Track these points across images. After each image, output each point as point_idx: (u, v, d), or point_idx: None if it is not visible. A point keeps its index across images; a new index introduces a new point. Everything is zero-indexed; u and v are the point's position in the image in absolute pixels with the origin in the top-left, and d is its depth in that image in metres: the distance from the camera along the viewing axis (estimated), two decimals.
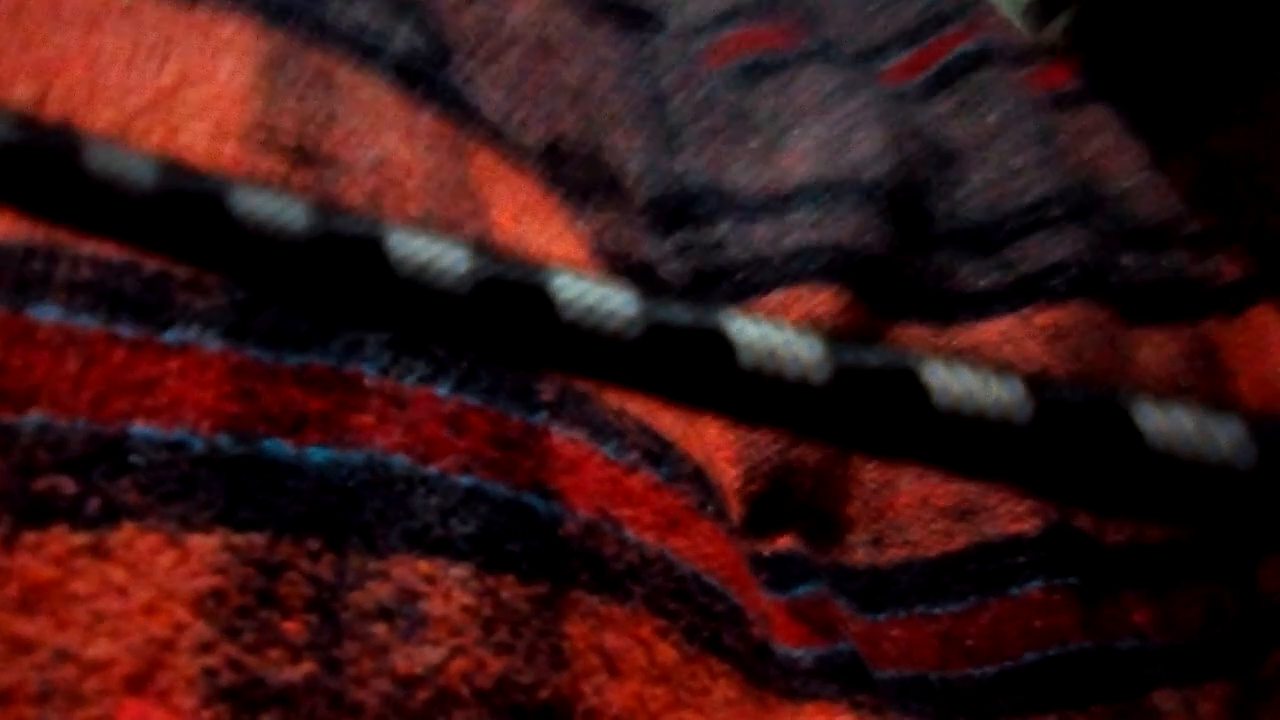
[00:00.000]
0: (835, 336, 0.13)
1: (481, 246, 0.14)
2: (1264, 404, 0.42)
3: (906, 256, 0.41)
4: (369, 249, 0.13)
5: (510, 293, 0.13)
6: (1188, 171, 0.52)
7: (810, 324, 0.36)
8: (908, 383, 0.12)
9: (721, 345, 0.12)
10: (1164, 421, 0.11)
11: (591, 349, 0.13)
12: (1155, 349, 0.43)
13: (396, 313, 0.14)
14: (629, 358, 0.13)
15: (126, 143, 0.21)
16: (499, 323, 0.13)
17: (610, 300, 0.13)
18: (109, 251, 0.19)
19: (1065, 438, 0.12)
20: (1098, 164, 0.51)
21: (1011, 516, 0.34)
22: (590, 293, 0.13)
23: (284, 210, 0.14)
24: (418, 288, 0.13)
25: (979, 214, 0.44)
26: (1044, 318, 0.40)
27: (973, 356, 0.39)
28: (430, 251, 0.13)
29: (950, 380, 0.12)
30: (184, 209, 0.14)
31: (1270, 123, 0.51)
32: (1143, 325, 0.44)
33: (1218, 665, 0.36)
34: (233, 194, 0.14)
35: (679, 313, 0.13)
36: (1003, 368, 0.12)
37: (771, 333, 0.13)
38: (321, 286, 0.14)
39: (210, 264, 0.15)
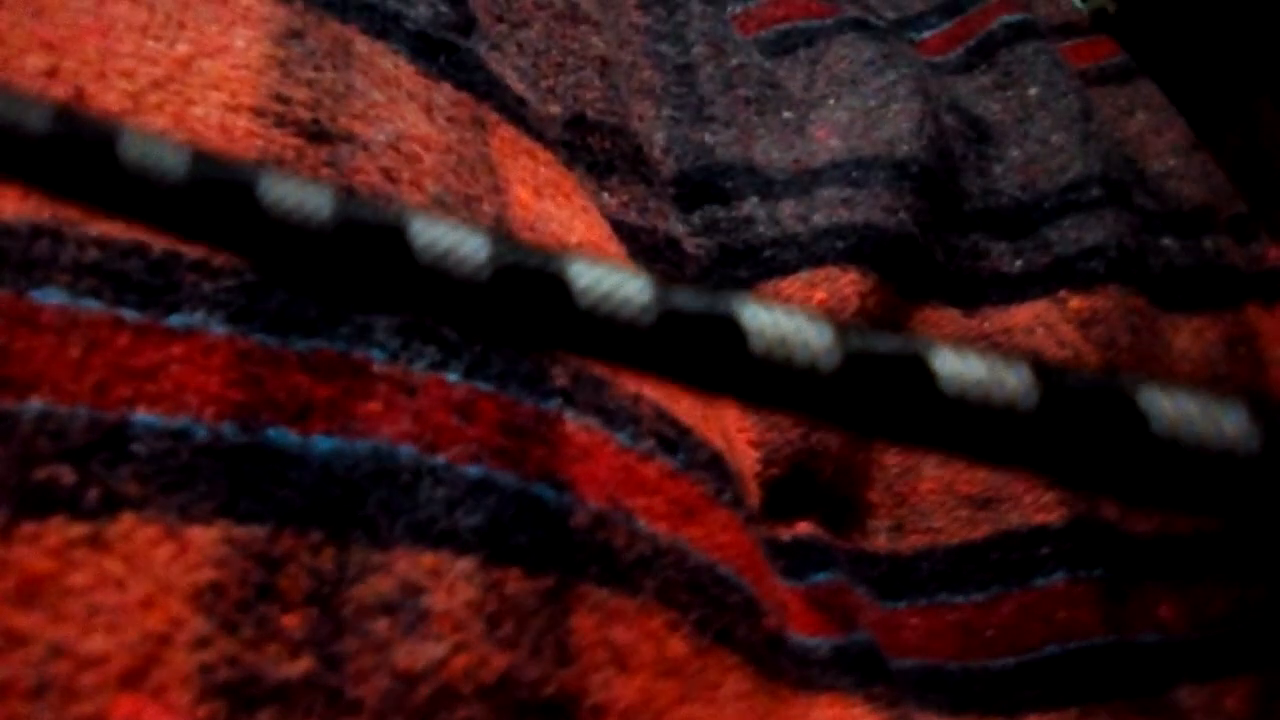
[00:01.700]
0: (845, 323, 0.13)
1: (500, 234, 0.14)
2: None
3: (938, 236, 0.40)
4: (391, 236, 0.14)
5: (528, 279, 0.13)
6: (1229, 149, 0.50)
7: (834, 306, 0.35)
8: (916, 369, 0.12)
9: (733, 331, 0.13)
10: (1169, 407, 0.11)
11: (606, 335, 0.13)
12: (1193, 336, 0.42)
13: (417, 299, 0.14)
14: (643, 344, 0.13)
15: (138, 116, 0.21)
16: (517, 309, 0.13)
17: (625, 287, 0.13)
18: (116, 231, 0.18)
19: (1071, 424, 0.12)
20: (1139, 142, 0.49)
21: (1036, 506, 0.34)
22: (605, 279, 0.13)
23: (310, 198, 0.14)
24: (438, 274, 0.14)
25: (1015, 193, 0.43)
26: (1078, 302, 0.39)
27: (989, 343, 0.38)
28: (451, 239, 0.14)
29: (958, 366, 0.12)
30: (214, 197, 0.14)
31: None
32: (1180, 311, 0.42)
33: (1243, 660, 0.36)
34: (261, 182, 0.14)
35: (692, 299, 0.13)
36: (1010, 354, 0.12)
37: (782, 319, 0.13)
38: (344, 273, 0.14)
39: (237, 251, 0.16)
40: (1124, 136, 0.50)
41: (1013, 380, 0.12)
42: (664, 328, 0.13)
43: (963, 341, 0.37)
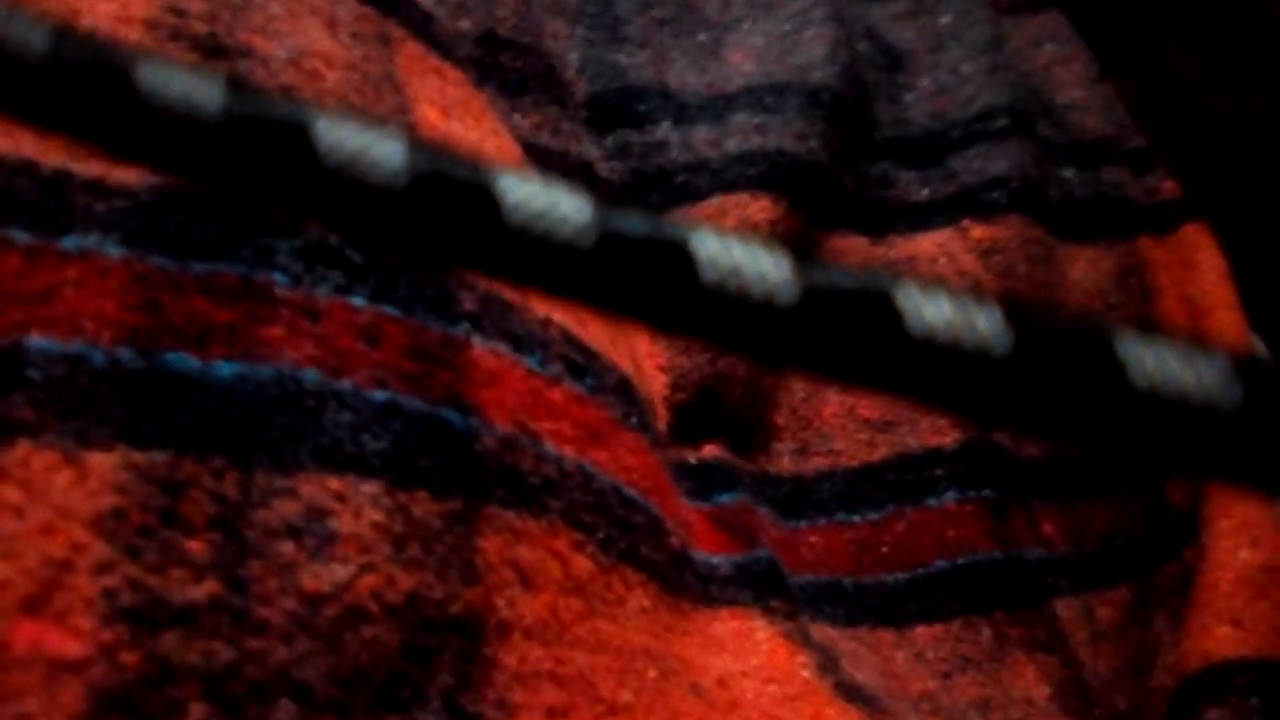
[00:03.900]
0: (805, 253, 0.12)
1: (419, 139, 0.12)
2: (1187, 324, 0.43)
3: (848, 164, 0.40)
4: (292, 135, 0.12)
5: (451, 191, 0.12)
6: (1133, 86, 0.51)
7: (752, 232, 0.35)
8: (881, 307, 0.11)
9: (682, 259, 0.12)
10: (1147, 357, 0.11)
11: (539, 257, 0.12)
12: (1087, 265, 0.43)
13: (322, 207, 0.12)
14: (580, 268, 0.12)
15: None
16: (437, 223, 0.12)
17: (562, 205, 0.12)
18: (3, 148, 0.18)
19: (1045, 370, 0.11)
20: (1045, 73, 0.50)
21: (932, 429, 0.35)
22: (540, 196, 0.12)
23: (196, 89, 0.12)
24: (347, 180, 0.12)
25: (925, 122, 0.44)
26: (980, 231, 0.40)
27: (944, 278, 0.39)
28: (361, 141, 0.12)
29: (927, 306, 0.11)
30: (83, 82, 0.12)
31: (1217, 42, 0.50)
32: (1076, 241, 0.44)
33: (1118, 573, 0.38)
34: (139, 68, 0.12)
35: (637, 222, 0.12)
36: (982, 294, 0.11)
37: (736, 247, 0.12)
38: (237, 175, 0.12)
39: (110, 146, 0.13)
40: (1031, 67, 0.50)
41: (985, 323, 0.11)
42: (604, 252, 0.12)
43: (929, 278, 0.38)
